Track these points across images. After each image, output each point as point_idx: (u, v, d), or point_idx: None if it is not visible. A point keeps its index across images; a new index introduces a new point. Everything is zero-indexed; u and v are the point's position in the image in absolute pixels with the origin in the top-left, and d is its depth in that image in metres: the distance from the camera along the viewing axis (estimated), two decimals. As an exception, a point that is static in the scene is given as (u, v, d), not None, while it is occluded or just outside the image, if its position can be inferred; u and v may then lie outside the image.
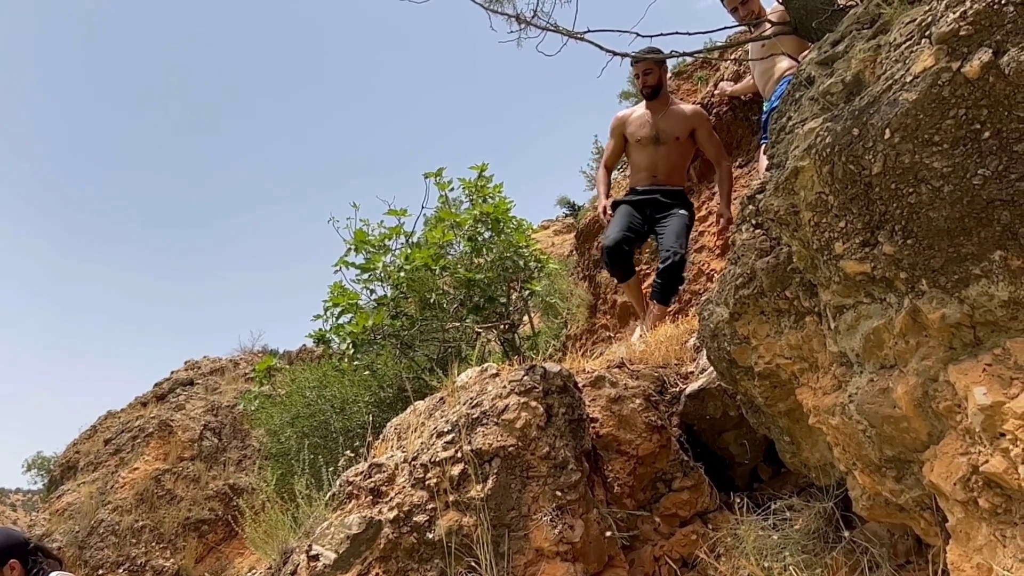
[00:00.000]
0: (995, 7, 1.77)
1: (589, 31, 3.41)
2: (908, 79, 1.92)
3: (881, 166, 1.96)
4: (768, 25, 4.05)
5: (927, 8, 2.01)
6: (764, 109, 4.85)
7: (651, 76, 5.22)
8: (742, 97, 5.90)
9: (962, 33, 1.81)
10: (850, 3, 3.08)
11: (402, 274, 5.86)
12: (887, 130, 1.93)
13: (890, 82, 1.99)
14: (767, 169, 2.63)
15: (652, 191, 5.13)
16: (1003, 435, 1.79)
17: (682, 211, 5.01)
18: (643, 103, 5.36)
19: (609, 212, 5.27)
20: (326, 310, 6.22)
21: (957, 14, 1.84)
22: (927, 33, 1.95)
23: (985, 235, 1.83)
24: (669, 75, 5.64)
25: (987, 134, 1.78)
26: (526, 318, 6.90)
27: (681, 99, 6.05)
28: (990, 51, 1.76)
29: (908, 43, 2.02)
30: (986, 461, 1.83)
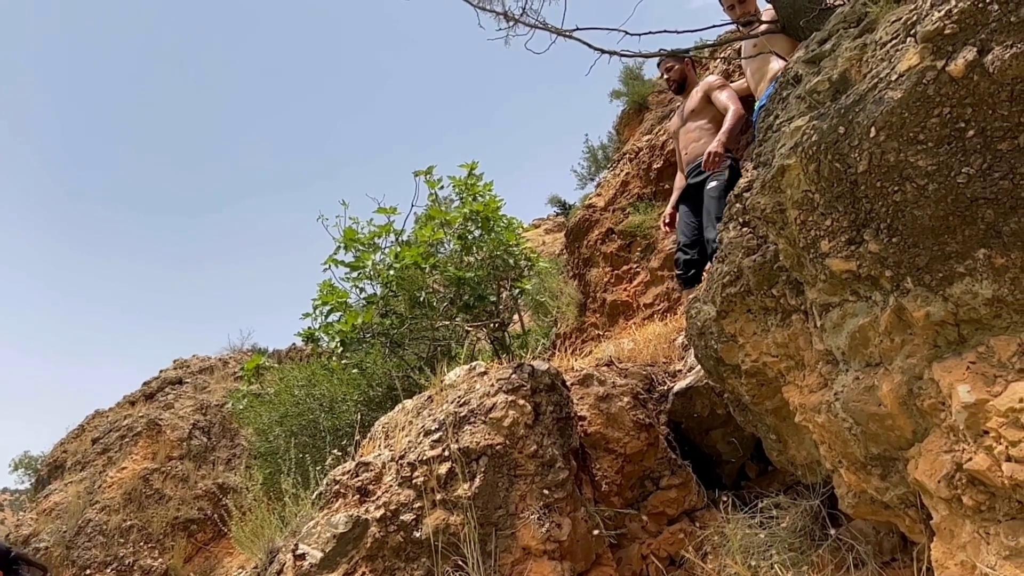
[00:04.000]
0: (980, 5, 1.77)
1: (578, 29, 3.40)
2: (893, 77, 1.92)
3: (867, 164, 1.97)
4: (759, 25, 4.06)
5: (912, 7, 2.01)
6: (755, 108, 4.85)
7: (673, 72, 5.35)
8: None
9: (947, 32, 1.82)
10: (837, 2, 3.09)
11: (392, 272, 5.84)
12: (873, 128, 1.93)
13: (876, 80, 1.99)
14: (754, 167, 2.64)
15: (689, 174, 5.14)
16: (987, 432, 1.79)
17: (712, 182, 4.84)
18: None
19: (668, 218, 5.37)
20: (315, 308, 6.20)
21: (942, 12, 1.84)
22: (912, 32, 1.95)
23: (969, 233, 1.83)
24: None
25: (971, 132, 1.79)
26: (516, 317, 6.89)
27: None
28: (975, 50, 1.76)
29: (894, 42, 2.02)
30: (970, 459, 1.84)
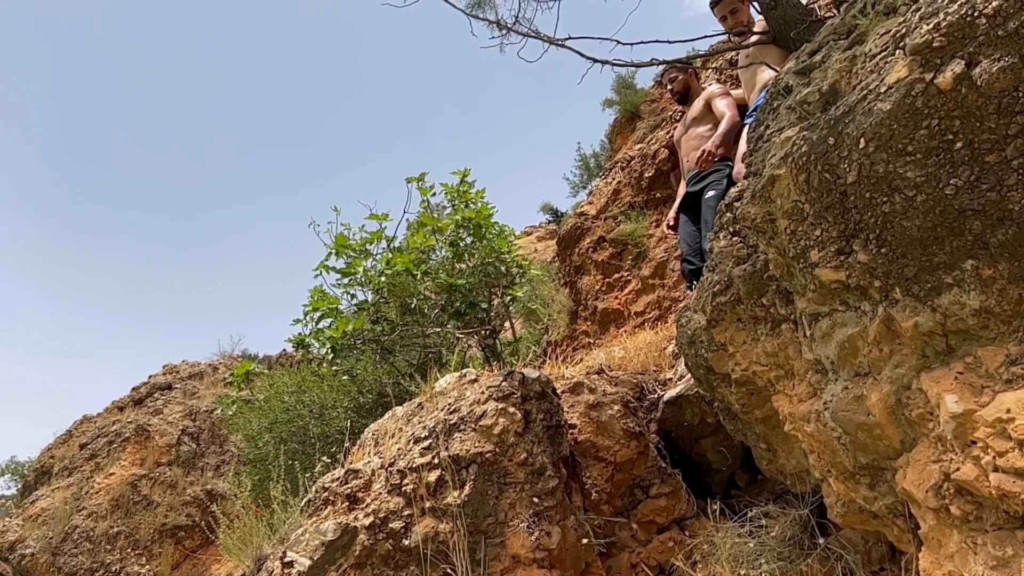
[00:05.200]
0: (968, 19, 1.79)
1: (570, 38, 3.42)
2: (883, 89, 1.94)
3: (856, 175, 1.98)
4: (751, 36, 4.08)
5: (902, 20, 2.03)
6: (746, 118, 4.87)
7: (677, 83, 5.36)
8: None
9: (935, 44, 1.83)
10: (828, 14, 3.11)
11: (383, 279, 5.83)
12: (862, 139, 1.95)
13: (865, 92, 2.01)
14: (744, 177, 2.65)
15: (689, 181, 5.13)
16: (974, 443, 1.80)
17: (709, 192, 4.83)
18: None
19: (671, 221, 5.31)
20: (306, 314, 6.18)
21: (931, 26, 1.85)
22: (901, 44, 1.97)
23: (957, 244, 1.84)
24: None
25: (959, 144, 1.80)
26: (507, 324, 6.89)
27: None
28: (963, 62, 1.78)
29: (883, 54, 2.04)
30: (957, 469, 1.84)
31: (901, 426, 2.07)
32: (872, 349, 2.13)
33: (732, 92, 5.60)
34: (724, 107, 4.96)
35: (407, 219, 6.54)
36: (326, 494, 3.23)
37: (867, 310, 2.13)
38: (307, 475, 3.82)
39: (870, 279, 2.05)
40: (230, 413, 7.34)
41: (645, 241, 7.26)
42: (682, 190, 5.33)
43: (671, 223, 5.39)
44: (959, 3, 1.81)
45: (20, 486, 15.19)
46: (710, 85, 5.68)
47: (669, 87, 5.53)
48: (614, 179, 8.07)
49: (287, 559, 2.95)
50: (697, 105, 5.21)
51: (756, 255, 2.60)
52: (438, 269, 6.04)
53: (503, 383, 3.41)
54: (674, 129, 5.87)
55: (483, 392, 3.37)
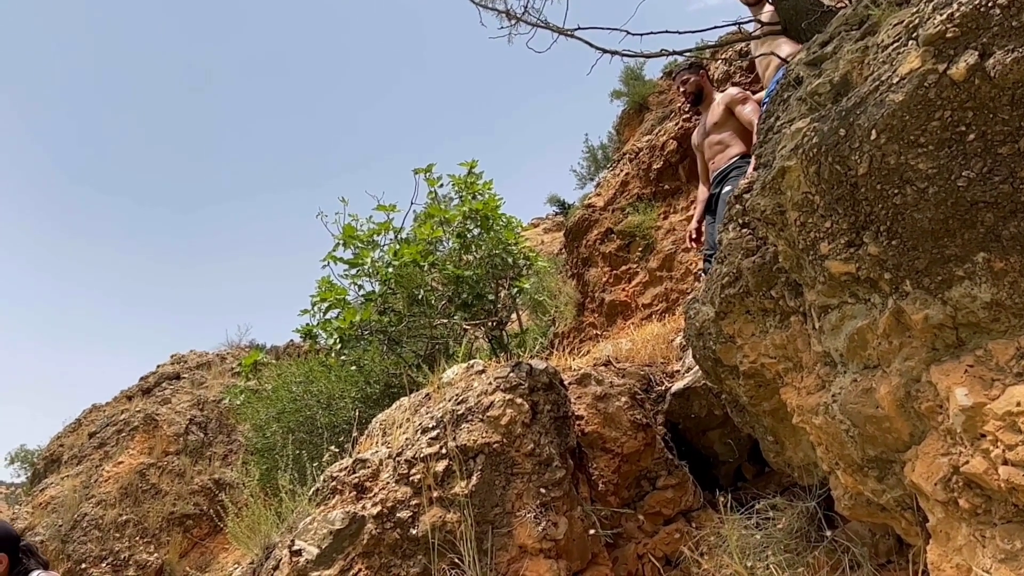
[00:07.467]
0: (982, 9, 1.77)
1: (579, 28, 3.40)
2: (895, 80, 1.92)
3: (867, 167, 1.97)
4: (760, 27, 4.05)
5: (914, 10, 2.01)
6: (762, 101, 4.84)
7: (689, 85, 5.27)
8: None
9: (949, 35, 1.82)
10: (839, 4, 3.09)
11: (390, 270, 5.83)
12: (873, 131, 1.94)
13: (877, 83, 1.99)
14: (755, 168, 2.64)
15: (713, 183, 5.10)
16: (984, 436, 1.79)
17: (726, 187, 4.80)
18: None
19: (694, 234, 5.28)
20: (313, 305, 6.19)
21: (944, 16, 1.84)
22: (914, 35, 1.96)
23: (969, 237, 1.84)
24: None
25: (972, 136, 1.79)
26: (514, 315, 6.89)
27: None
28: (976, 53, 1.77)
29: (895, 44, 2.02)
30: (967, 462, 1.84)
31: (910, 419, 2.07)
32: (881, 342, 2.12)
33: (752, 97, 5.53)
34: (750, 115, 4.88)
35: (414, 210, 6.53)
36: (334, 483, 3.24)
37: (877, 303, 2.12)
38: (315, 465, 3.84)
39: (880, 271, 2.04)
40: (238, 403, 7.38)
41: (653, 233, 7.25)
42: (702, 195, 5.29)
43: (693, 235, 5.33)
44: (973, -7, 1.80)
45: (29, 474, 15.32)
46: (727, 88, 5.59)
47: (681, 89, 5.43)
48: (622, 171, 8.05)
49: (295, 547, 2.97)
50: (717, 110, 5.13)
51: (765, 247, 2.60)
52: (445, 260, 6.03)
53: (510, 374, 3.41)
54: (687, 122, 5.78)
55: (490, 383, 3.37)
